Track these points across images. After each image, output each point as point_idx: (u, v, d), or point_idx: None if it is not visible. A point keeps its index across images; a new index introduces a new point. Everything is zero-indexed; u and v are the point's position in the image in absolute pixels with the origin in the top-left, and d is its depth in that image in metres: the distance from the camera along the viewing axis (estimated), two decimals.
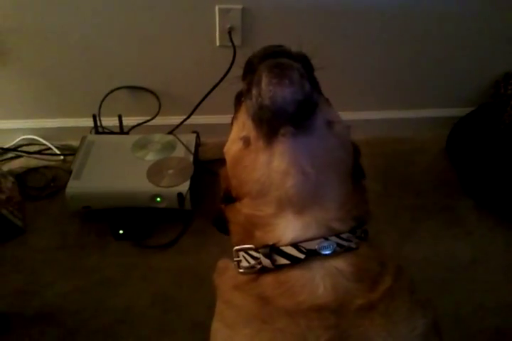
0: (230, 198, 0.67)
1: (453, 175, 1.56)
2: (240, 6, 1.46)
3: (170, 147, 1.46)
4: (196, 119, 1.62)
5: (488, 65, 1.65)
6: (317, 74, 1.74)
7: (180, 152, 1.44)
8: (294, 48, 0.67)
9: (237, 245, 0.65)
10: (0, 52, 1.46)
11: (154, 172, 1.36)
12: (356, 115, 1.72)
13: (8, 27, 1.42)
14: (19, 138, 1.61)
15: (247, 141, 0.60)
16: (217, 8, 1.45)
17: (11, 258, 1.27)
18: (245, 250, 0.63)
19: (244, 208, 0.63)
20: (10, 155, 1.58)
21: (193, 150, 1.45)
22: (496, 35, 1.58)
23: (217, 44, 1.53)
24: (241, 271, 0.62)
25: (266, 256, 0.59)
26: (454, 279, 1.28)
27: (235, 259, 0.64)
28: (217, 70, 1.50)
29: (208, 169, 1.51)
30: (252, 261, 0.61)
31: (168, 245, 1.33)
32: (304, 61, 0.64)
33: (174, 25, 1.48)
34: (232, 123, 0.69)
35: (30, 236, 1.34)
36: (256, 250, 0.61)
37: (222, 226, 0.70)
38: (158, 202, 1.33)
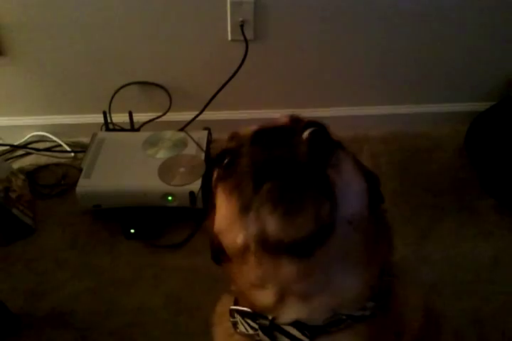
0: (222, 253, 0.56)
1: (472, 172, 1.52)
2: None
3: (181, 144, 1.44)
4: (208, 115, 1.59)
5: (509, 58, 1.60)
6: (331, 69, 1.68)
7: (191, 149, 1.41)
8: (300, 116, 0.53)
9: (235, 294, 0.58)
10: (9, 48, 1.44)
11: (165, 170, 1.34)
12: (372, 110, 1.68)
13: (19, 23, 1.40)
14: (29, 135, 1.59)
15: (246, 249, 0.49)
16: (228, 1, 1.42)
17: (21, 258, 1.26)
18: (242, 314, 0.55)
19: (241, 282, 0.54)
20: (20, 152, 1.56)
21: (204, 147, 1.42)
22: None
23: (229, 38, 1.49)
24: (239, 331, 0.56)
25: (264, 331, 0.52)
26: (475, 280, 1.24)
27: (232, 319, 0.57)
28: (230, 65, 1.48)
29: None
30: (250, 331, 0.54)
31: (180, 244, 1.30)
32: (324, 154, 0.49)
33: (185, 19, 1.45)
34: (215, 186, 0.54)
35: (40, 235, 1.32)
36: (254, 319, 0.53)
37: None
38: (169, 200, 1.30)
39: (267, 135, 0.48)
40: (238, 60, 1.46)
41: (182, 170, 1.34)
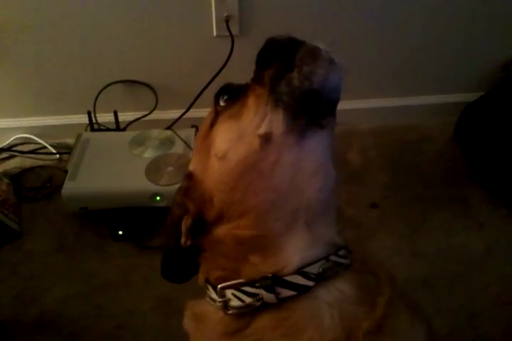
0: (200, 227, 0.55)
1: (463, 163, 1.50)
2: None
3: (169, 143, 1.41)
4: (195, 113, 1.57)
5: (498, 47, 1.59)
6: None
7: (179, 148, 1.39)
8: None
9: (215, 283, 0.55)
10: None
11: (153, 170, 1.31)
12: (361, 103, 1.66)
13: (1, 24, 1.37)
14: (13, 138, 1.56)
15: (267, 139, 0.50)
16: None
17: (7, 263, 1.23)
18: (235, 287, 0.53)
19: (239, 230, 0.52)
20: (4, 155, 1.53)
21: (192, 145, 1.40)
22: (506, 19, 1.52)
23: (215, 34, 1.47)
24: (230, 312, 0.53)
25: (268, 289, 0.51)
26: (469, 273, 1.23)
27: (220, 300, 0.54)
28: (216, 61, 1.45)
29: None
30: (248, 299, 0.52)
31: None
32: None
33: (169, 15, 1.42)
34: (210, 123, 0.58)
35: (27, 239, 1.29)
36: (252, 284, 0.52)
37: (177, 270, 0.61)
38: (157, 201, 1.28)
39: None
40: (224, 56, 1.44)
41: (170, 169, 1.32)
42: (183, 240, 0.57)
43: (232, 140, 0.53)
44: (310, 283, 0.50)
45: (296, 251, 0.51)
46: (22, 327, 1.11)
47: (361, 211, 1.37)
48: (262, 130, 0.50)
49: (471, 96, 1.61)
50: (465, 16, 1.51)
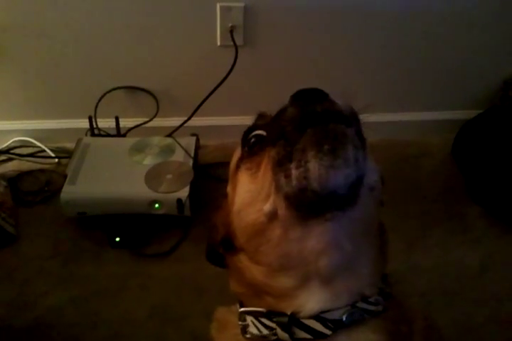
0: (230, 245, 0.56)
1: (460, 180, 1.52)
2: (242, 4, 1.41)
3: (169, 150, 1.41)
4: (196, 121, 1.57)
5: (498, 66, 1.61)
6: (320, 74, 1.65)
7: (179, 156, 1.39)
8: (335, 97, 0.50)
9: (239, 297, 0.55)
10: None
11: (152, 177, 1.31)
12: (362, 117, 1.67)
13: (2, 26, 1.37)
14: (12, 140, 1.55)
15: (273, 216, 0.47)
16: (218, 6, 1.41)
17: (2, 267, 1.22)
18: (255, 315, 0.53)
19: (256, 271, 0.52)
20: (2, 157, 1.52)
21: (192, 153, 1.40)
22: (506, 37, 1.54)
23: (219, 43, 1.48)
24: (248, 336, 0.53)
25: (283, 328, 0.50)
26: (464, 289, 1.24)
27: (241, 323, 0.54)
28: (219, 70, 1.46)
29: (208, 173, 1.46)
30: (265, 331, 0.51)
31: (167, 253, 1.28)
32: (355, 121, 0.49)
33: (174, 23, 1.44)
34: (237, 164, 0.54)
35: (23, 243, 1.28)
36: (269, 317, 0.51)
37: (219, 260, 0.60)
38: (156, 208, 1.28)
39: (307, 94, 0.48)
40: (227, 66, 1.45)
41: (169, 176, 1.32)
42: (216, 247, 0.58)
43: (245, 201, 0.51)
44: (327, 332, 0.49)
45: (312, 301, 0.50)
46: (15, 333, 1.10)
47: None
48: (267, 207, 0.47)
49: (470, 114, 1.63)
50: (465, 34, 1.53)
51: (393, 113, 1.69)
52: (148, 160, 1.37)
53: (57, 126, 1.58)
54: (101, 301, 1.16)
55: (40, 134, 1.57)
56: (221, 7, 1.41)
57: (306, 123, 0.44)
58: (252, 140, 0.52)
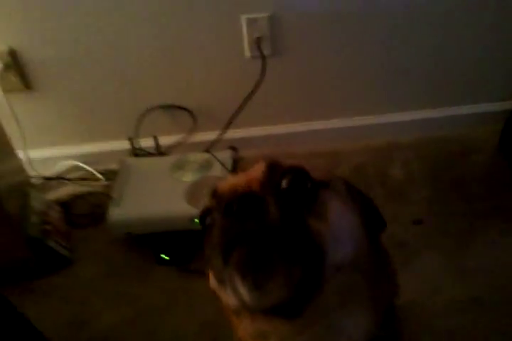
0: None
1: (510, 175, 1.45)
2: (266, 14, 1.42)
3: (207, 165, 1.44)
4: (233, 133, 1.60)
5: None
6: (352, 78, 1.61)
7: (217, 170, 1.41)
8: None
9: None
10: (36, 82, 1.49)
11: (191, 193, 1.34)
12: (401, 116, 1.64)
13: (44, 58, 1.45)
14: (62, 166, 1.64)
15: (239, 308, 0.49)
16: (243, 18, 1.42)
17: (59, 289, 1.29)
18: None
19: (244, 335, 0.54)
20: (54, 183, 1.60)
21: (229, 167, 1.42)
22: None
23: (247, 55, 1.49)
24: None
25: None
26: None
27: None
28: (250, 81, 1.48)
29: None
30: None
31: None
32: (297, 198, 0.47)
33: (201, 40, 1.46)
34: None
35: (77, 265, 1.35)
36: None
37: None
38: (197, 224, 1.30)
39: (239, 203, 0.46)
40: (257, 76, 1.46)
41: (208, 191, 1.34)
42: None
43: (215, 287, 0.54)
44: None
45: None
46: None
47: (404, 228, 1.33)
48: (231, 302, 0.48)
49: None
50: (503, 22, 1.46)
51: (434, 108, 1.64)
52: (188, 177, 1.41)
53: (102, 148, 1.65)
54: (151, 319, 1.20)
55: (88, 158, 1.65)
56: (246, 19, 1.42)
57: (231, 247, 0.44)
58: (208, 221, 0.54)
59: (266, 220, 0.44)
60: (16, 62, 1.43)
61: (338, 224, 0.47)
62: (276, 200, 0.45)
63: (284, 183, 0.48)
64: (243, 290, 0.43)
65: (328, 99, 1.61)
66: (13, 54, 1.42)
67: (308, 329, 0.47)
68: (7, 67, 1.43)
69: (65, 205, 1.52)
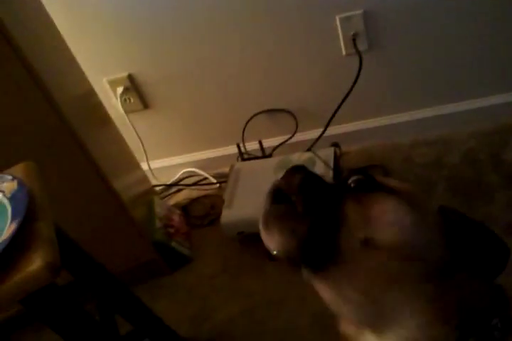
0: None
1: None
2: (360, 11, 1.43)
3: (310, 164, 1.48)
4: (334, 130, 1.63)
5: None
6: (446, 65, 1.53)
7: (320, 168, 1.45)
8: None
9: None
10: (153, 101, 1.65)
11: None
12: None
13: (154, 79, 1.60)
14: (180, 173, 1.79)
15: None
16: (338, 18, 1.44)
17: (182, 286, 1.42)
18: None
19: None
20: (174, 189, 1.76)
21: (332, 164, 1.44)
22: None
23: (344, 53, 1.51)
24: None
25: None
26: None
27: None
28: (348, 78, 1.50)
29: None
30: None
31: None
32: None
33: (297, 42, 1.51)
34: None
35: (197, 263, 1.47)
36: None
37: None
38: None
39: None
40: (354, 73, 1.47)
41: None
42: None
43: None
44: None
45: None
46: None
47: None
48: None
49: None
50: None
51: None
52: None
53: (213, 154, 1.77)
54: (266, 312, 1.28)
55: (202, 164, 1.78)
56: (340, 18, 1.45)
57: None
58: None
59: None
60: (134, 85, 1.61)
61: (378, 212, 0.52)
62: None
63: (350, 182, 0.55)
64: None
65: (426, 88, 1.57)
66: (131, 78, 1.59)
67: (329, 288, 0.53)
68: (126, 90, 1.60)
69: (184, 208, 1.67)
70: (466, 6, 1.40)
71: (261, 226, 0.58)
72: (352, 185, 0.55)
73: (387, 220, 0.51)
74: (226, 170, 1.72)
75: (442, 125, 1.60)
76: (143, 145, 1.67)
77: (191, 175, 1.79)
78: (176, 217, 1.59)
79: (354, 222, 0.51)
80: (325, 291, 0.54)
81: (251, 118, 1.65)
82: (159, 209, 1.54)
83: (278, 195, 0.59)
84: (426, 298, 0.50)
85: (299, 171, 0.59)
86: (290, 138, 1.65)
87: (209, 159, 1.78)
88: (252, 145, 1.68)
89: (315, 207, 0.54)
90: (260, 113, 1.65)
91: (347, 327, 0.56)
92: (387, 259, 0.50)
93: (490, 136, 1.52)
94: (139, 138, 1.65)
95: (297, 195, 0.55)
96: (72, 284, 1.01)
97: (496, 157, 1.45)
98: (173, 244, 1.46)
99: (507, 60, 1.49)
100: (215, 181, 1.74)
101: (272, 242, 0.57)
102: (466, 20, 1.43)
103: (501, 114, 1.55)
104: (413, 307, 0.50)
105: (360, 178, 0.54)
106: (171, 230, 1.50)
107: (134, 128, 1.63)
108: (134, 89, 1.61)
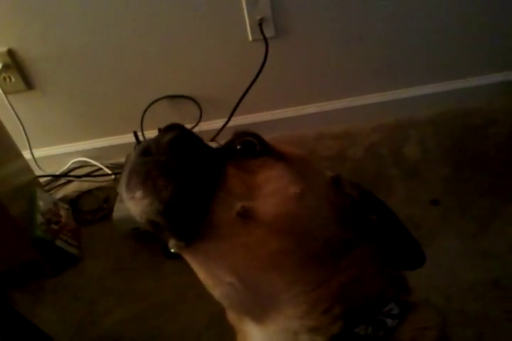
0: None
1: None
2: None
3: None
4: (240, 120, 1.55)
5: None
6: (358, 56, 1.51)
7: None
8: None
9: None
10: (38, 81, 1.47)
11: None
12: (416, 90, 1.56)
13: (43, 56, 1.43)
14: (70, 162, 1.63)
15: None
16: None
17: (69, 288, 1.27)
18: None
19: None
20: (62, 180, 1.59)
21: None
22: None
23: (250, 38, 1.44)
24: None
25: None
26: None
27: None
28: (255, 66, 1.42)
29: None
30: None
31: None
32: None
33: (203, 25, 1.41)
34: None
35: (86, 262, 1.33)
36: None
37: None
38: None
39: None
40: (261, 60, 1.41)
41: None
42: None
43: None
44: None
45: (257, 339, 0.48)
46: None
47: (421, 209, 1.27)
48: None
49: None
50: None
51: (449, 81, 1.55)
52: None
53: (109, 143, 1.63)
54: (160, 314, 1.18)
55: (95, 153, 1.63)
56: (246, 1, 1.36)
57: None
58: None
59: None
60: (15, 62, 1.42)
61: (261, 180, 0.46)
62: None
63: (237, 143, 0.50)
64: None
65: (334, 80, 1.54)
66: (12, 54, 1.40)
67: (198, 261, 0.47)
68: (6, 67, 1.41)
69: (74, 202, 1.51)
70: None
71: (123, 187, 0.47)
72: (238, 147, 0.48)
73: (269, 188, 0.44)
74: (122, 160, 1.58)
75: (348, 118, 1.58)
76: (25, 131, 1.48)
77: (83, 165, 1.63)
78: (63, 212, 1.43)
79: (233, 189, 0.44)
80: (196, 270, 0.47)
81: (151, 104, 1.52)
82: (42, 202, 1.37)
83: (146, 155, 0.49)
84: (304, 284, 0.44)
85: (173, 129, 0.51)
86: (193, 127, 1.55)
87: (103, 148, 1.63)
88: (151, 134, 1.56)
89: (186, 167, 0.45)
90: (161, 99, 1.53)
91: (230, 317, 0.50)
92: (266, 235, 0.43)
93: (392, 130, 1.53)
94: (21, 122, 1.47)
95: (166, 153, 0.47)
96: None
97: (396, 151, 1.46)
98: (58, 241, 1.31)
99: (397, 58, 1.50)
100: (110, 172, 1.59)
101: (134, 206, 0.45)
102: (375, 11, 1.41)
103: (403, 108, 1.56)
104: (291, 294, 0.44)
105: (249, 140, 0.48)
106: (56, 227, 1.34)
107: (15, 111, 1.44)
108: (16, 66, 1.42)
